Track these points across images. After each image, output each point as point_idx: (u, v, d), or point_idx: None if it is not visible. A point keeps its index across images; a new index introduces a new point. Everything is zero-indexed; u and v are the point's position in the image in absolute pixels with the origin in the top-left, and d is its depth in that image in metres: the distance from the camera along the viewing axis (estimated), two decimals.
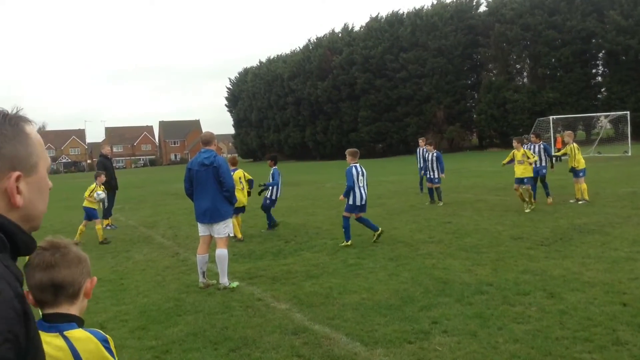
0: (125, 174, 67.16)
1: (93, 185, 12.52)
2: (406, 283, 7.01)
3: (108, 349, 1.88)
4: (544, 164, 14.05)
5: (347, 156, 10.31)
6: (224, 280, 7.38)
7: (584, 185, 13.53)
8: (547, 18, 53.37)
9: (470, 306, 5.88)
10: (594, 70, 57.02)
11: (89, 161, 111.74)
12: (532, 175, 12.88)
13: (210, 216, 7.36)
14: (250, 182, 11.49)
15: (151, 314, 6.37)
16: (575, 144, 13.99)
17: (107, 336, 1.92)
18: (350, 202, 9.95)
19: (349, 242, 9.81)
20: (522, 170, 12.76)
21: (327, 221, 13.08)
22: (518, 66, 61.53)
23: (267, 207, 12.21)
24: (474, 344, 4.83)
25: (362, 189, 9.99)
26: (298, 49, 79.23)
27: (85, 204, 12.35)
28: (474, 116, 62.74)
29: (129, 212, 18.35)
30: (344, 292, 6.80)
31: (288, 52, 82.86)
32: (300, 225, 12.71)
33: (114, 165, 15.08)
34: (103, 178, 13.07)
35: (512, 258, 7.98)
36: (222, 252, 7.41)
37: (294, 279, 7.65)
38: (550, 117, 35.40)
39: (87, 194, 12.41)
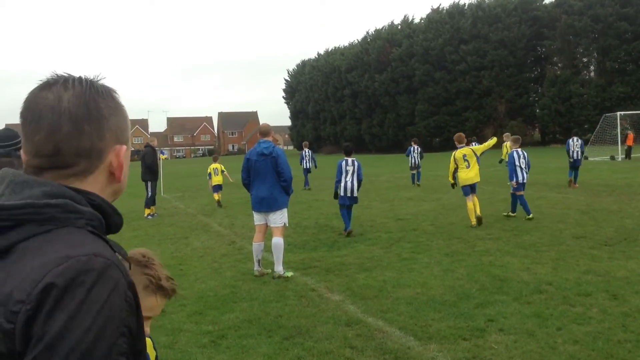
0: (185, 163, 68.86)
1: (217, 165, 16.68)
2: (462, 279, 6.90)
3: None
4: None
5: (510, 142, 12.09)
6: (279, 268, 7.50)
7: None
8: (619, 9, 51.03)
9: (529, 305, 5.74)
10: None
11: None
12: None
13: (268, 205, 7.51)
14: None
15: (208, 300, 6.54)
16: (508, 143, 17.71)
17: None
18: (515, 180, 11.43)
19: (530, 216, 11.16)
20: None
21: (382, 214, 13.02)
22: (585, 59, 59.14)
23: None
24: (532, 344, 4.72)
25: (523, 170, 11.48)
26: (356, 41, 78.90)
27: (216, 181, 16.39)
28: (537, 111, 60.84)
29: (189, 200, 18.85)
30: (398, 286, 6.76)
31: (346, 44, 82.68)
32: (354, 218, 12.66)
33: (159, 155, 15.81)
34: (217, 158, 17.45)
35: (573, 257, 7.73)
36: (278, 240, 7.54)
37: (348, 271, 7.67)
38: (618, 113, 33.90)
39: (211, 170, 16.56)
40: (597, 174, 21.43)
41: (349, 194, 10.57)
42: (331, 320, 5.58)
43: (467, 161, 11.03)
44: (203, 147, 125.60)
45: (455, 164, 11.15)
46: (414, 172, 20.57)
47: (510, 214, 11.74)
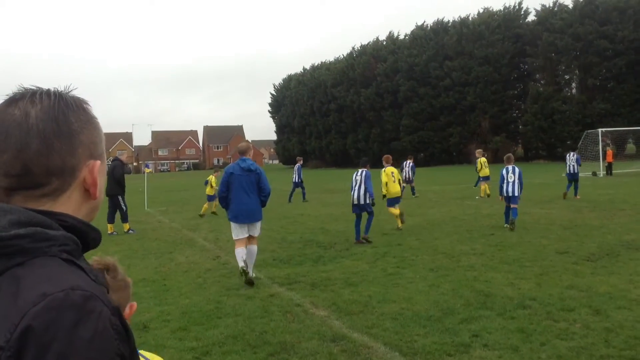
0: (170, 177, 68.49)
1: (210, 176, 18.47)
2: (446, 294, 6.93)
3: None
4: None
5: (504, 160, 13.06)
6: (251, 271, 8.16)
7: (484, 186, 19.87)
8: (598, 28, 52.06)
9: (513, 320, 5.77)
10: None
11: (135, 164, 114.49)
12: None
13: (252, 217, 8.12)
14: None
15: (192, 315, 6.48)
16: (483, 158, 20.54)
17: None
18: (502, 193, 12.62)
19: (506, 226, 12.17)
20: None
21: None
22: (567, 77, 60.16)
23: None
24: (516, 359, 4.74)
25: (510, 184, 12.42)
26: (342, 56, 79.45)
27: (207, 192, 18.05)
28: (520, 127, 61.61)
29: (173, 215, 18.73)
30: (383, 301, 6.77)
31: (332, 59, 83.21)
32: (340, 232, 12.72)
33: (144, 169, 15.41)
34: (219, 173, 17.84)
35: (556, 273, 7.79)
36: (254, 248, 8.31)
37: (333, 286, 7.66)
38: (599, 130, 34.42)
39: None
40: (579, 190, 21.67)
41: (355, 202, 11.40)
42: (316, 336, 5.56)
43: (394, 177, 12.85)
44: (188, 161, 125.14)
45: (387, 178, 12.87)
46: (405, 185, 21.25)
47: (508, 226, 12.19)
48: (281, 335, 5.63)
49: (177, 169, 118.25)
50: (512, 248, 9.86)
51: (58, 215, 0.98)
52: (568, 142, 48.67)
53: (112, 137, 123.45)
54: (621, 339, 5.07)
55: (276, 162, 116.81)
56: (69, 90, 1.06)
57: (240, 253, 8.10)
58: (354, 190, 11.43)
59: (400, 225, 12.79)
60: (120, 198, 14.11)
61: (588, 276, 7.53)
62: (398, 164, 21.23)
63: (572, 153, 19.25)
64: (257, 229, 8.28)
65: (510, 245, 10.17)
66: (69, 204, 1.02)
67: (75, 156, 1.00)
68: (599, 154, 33.17)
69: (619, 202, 16.64)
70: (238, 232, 8.12)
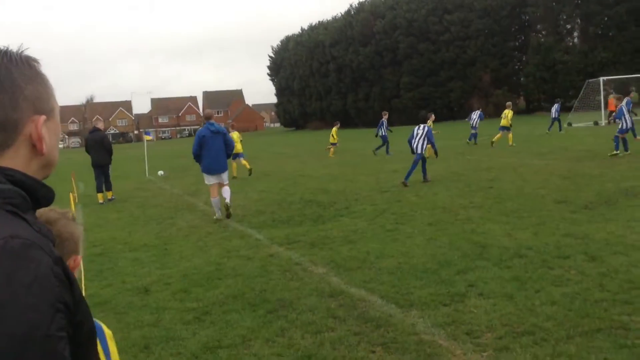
0: (171, 144, 68.42)
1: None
2: (444, 247, 6.98)
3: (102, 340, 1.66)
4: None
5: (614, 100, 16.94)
6: (229, 201, 10.22)
7: (499, 135, 21.63)
8: None
9: (508, 269, 5.83)
10: None
11: (136, 132, 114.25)
12: None
13: (222, 168, 10.18)
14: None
15: (193, 278, 6.57)
16: (506, 110, 22.01)
17: (103, 326, 1.71)
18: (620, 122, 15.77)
19: (628, 152, 15.49)
20: None
21: (367, 187, 13.07)
22: (568, 26, 59.16)
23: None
24: (510, 306, 4.81)
25: (628, 119, 15.64)
26: (340, 14, 78.22)
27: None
28: (522, 79, 60.97)
29: (174, 181, 18.79)
30: (381, 256, 6.83)
31: (330, 18, 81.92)
32: (339, 191, 12.75)
33: (144, 137, 15.43)
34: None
35: (554, 222, 7.83)
36: (227, 188, 10.29)
37: (332, 244, 7.72)
38: (600, 79, 34.01)
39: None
40: (579, 139, 21.61)
41: (418, 151, 13.16)
42: (314, 292, 5.63)
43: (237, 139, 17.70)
44: (189, 127, 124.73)
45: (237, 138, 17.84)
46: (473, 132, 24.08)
47: (614, 152, 15.15)
48: (280, 293, 5.71)
49: (178, 136, 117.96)
50: (510, 200, 9.88)
51: (4, 169, 1.00)
52: (570, 93, 48.28)
53: (112, 106, 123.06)
54: (616, 284, 5.13)
55: (278, 125, 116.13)
56: (22, 49, 1.06)
57: (216, 204, 10.26)
58: (416, 140, 13.20)
59: (249, 167, 17.68)
60: (110, 167, 14.33)
61: (585, 224, 7.56)
62: (406, 121, 21.10)
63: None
64: (225, 178, 10.31)
65: (509, 197, 10.19)
66: (16, 159, 1.03)
67: (18, 110, 1.00)
68: (600, 103, 32.87)
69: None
70: (211, 179, 10.22)
